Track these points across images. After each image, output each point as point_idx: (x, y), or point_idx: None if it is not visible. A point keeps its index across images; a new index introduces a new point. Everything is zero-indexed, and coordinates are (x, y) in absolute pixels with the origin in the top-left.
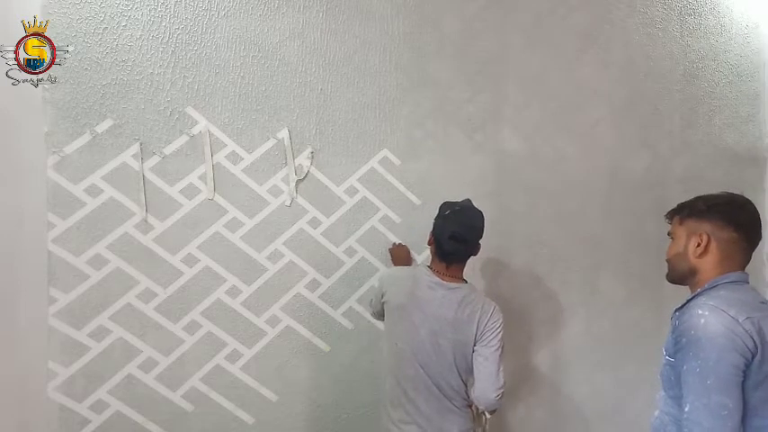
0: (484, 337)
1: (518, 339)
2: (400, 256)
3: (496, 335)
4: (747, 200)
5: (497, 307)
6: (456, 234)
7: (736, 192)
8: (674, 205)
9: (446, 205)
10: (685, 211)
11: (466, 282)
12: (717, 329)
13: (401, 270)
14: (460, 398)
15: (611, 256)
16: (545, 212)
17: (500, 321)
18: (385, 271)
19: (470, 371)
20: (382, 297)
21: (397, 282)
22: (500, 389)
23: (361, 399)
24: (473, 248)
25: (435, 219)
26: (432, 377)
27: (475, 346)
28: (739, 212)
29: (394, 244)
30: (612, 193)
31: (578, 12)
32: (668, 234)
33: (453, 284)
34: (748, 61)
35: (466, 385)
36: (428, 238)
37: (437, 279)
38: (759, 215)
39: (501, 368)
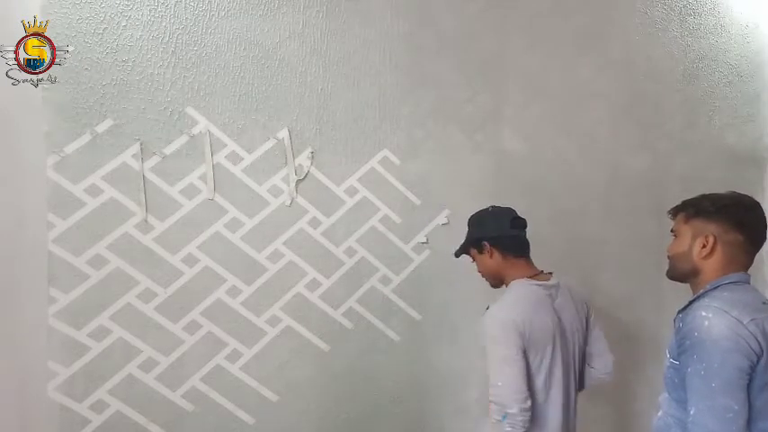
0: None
1: None
2: None
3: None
4: (755, 201)
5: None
6: (515, 221)
7: (737, 192)
8: (676, 203)
9: (478, 214)
10: (691, 210)
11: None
12: (721, 332)
13: (513, 308)
14: None
15: (611, 256)
16: (545, 212)
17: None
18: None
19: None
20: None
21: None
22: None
23: (362, 399)
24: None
25: (473, 232)
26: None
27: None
28: (747, 215)
29: None
30: (612, 193)
31: (578, 12)
32: (671, 231)
33: (551, 281)
34: (748, 61)
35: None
36: (479, 262)
37: (542, 283)
38: (765, 218)
39: None
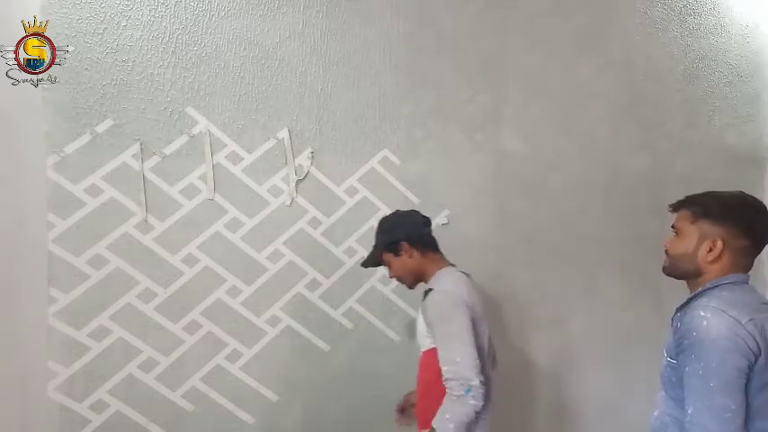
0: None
1: (518, 339)
2: None
3: None
4: (761, 203)
5: None
6: (426, 219)
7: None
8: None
9: (389, 219)
10: (698, 210)
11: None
12: (719, 331)
13: (457, 288)
14: None
15: (611, 256)
16: (545, 212)
17: None
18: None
19: None
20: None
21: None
22: None
23: (362, 399)
24: None
25: (391, 233)
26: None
27: None
28: (755, 220)
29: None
30: (612, 192)
31: (578, 12)
32: (672, 227)
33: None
34: (748, 61)
35: None
36: (396, 263)
37: (462, 271)
38: None
39: None
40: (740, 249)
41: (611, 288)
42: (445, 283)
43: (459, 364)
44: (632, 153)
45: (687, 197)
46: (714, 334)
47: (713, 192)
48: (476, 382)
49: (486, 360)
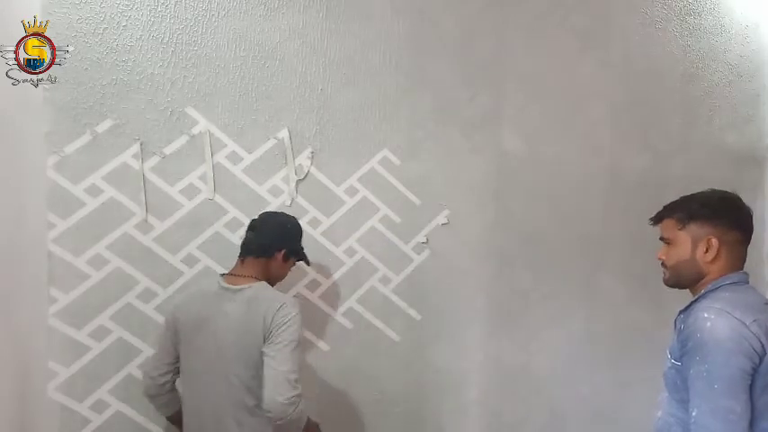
0: (272, 335)
1: (518, 339)
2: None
3: (285, 329)
4: (737, 196)
5: (290, 300)
6: (250, 223)
7: (731, 191)
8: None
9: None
10: (682, 215)
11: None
12: (723, 333)
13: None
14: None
15: (611, 256)
16: (545, 213)
17: (291, 315)
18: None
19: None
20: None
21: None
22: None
23: (361, 399)
24: (266, 239)
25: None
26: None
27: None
28: (740, 212)
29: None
30: (612, 193)
31: (578, 12)
32: (661, 238)
33: (242, 285)
34: (748, 61)
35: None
36: None
37: (224, 284)
38: (749, 209)
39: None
40: (734, 243)
41: (611, 288)
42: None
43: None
44: (632, 153)
45: (665, 207)
46: (718, 335)
47: (687, 195)
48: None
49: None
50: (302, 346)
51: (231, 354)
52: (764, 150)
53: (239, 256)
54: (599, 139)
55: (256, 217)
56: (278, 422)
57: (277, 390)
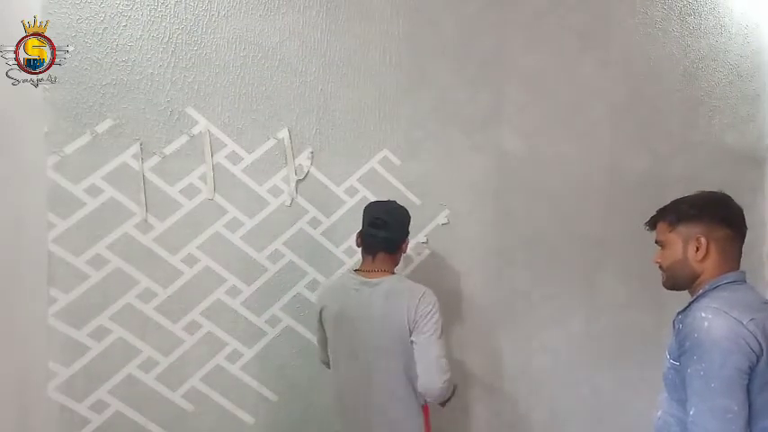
0: (418, 325)
1: (518, 339)
2: None
3: (430, 319)
4: (726, 195)
5: (428, 290)
6: (374, 220)
7: (731, 191)
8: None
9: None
10: (672, 217)
11: (394, 274)
12: (721, 332)
13: (330, 280)
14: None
15: (611, 256)
16: (545, 212)
17: (433, 303)
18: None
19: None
20: (318, 314)
21: (327, 293)
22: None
23: None
24: (396, 234)
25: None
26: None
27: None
28: (727, 209)
29: None
30: (612, 193)
31: (578, 11)
32: (656, 242)
33: (377, 279)
34: (748, 61)
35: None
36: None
37: (362, 278)
38: (740, 207)
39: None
40: (723, 240)
41: (611, 288)
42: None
43: None
44: (632, 153)
45: (658, 211)
46: (716, 335)
47: (679, 198)
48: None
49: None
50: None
51: (374, 344)
52: (764, 150)
53: (368, 253)
54: (599, 139)
55: (377, 213)
56: (433, 402)
57: (433, 376)
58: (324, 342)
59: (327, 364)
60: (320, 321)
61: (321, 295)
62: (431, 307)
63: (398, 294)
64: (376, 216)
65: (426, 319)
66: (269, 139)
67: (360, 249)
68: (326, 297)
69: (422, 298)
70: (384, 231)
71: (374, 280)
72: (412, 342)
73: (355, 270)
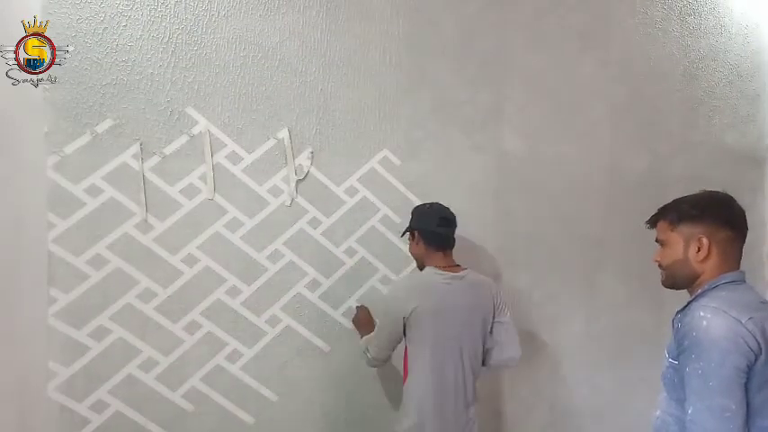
0: (500, 308)
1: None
2: (365, 318)
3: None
4: (729, 195)
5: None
6: (443, 220)
7: (731, 191)
8: None
9: (417, 207)
10: (674, 216)
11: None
12: (719, 331)
13: (408, 281)
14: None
15: (611, 256)
16: (545, 212)
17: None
18: (388, 295)
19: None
20: (409, 313)
21: (414, 293)
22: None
23: (362, 399)
24: (454, 233)
25: (411, 222)
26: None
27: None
28: (729, 210)
29: (357, 308)
30: (612, 193)
31: (578, 11)
32: (657, 240)
33: (461, 273)
34: (748, 61)
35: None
36: (410, 245)
37: (449, 273)
38: (742, 209)
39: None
40: (725, 241)
41: (611, 288)
42: (400, 280)
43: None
44: (632, 153)
45: (659, 209)
46: (714, 334)
47: (681, 197)
48: (371, 354)
49: (429, 354)
50: None
51: (467, 330)
52: (764, 150)
53: (441, 251)
54: (599, 139)
55: (445, 212)
56: (502, 367)
57: (518, 347)
58: (395, 340)
59: (382, 362)
60: (406, 321)
61: (407, 297)
62: (502, 293)
63: (481, 284)
64: (444, 216)
65: (504, 303)
66: (269, 139)
67: (420, 249)
68: (415, 297)
69: (496, 286)
70: (452, 230)
71: (459, 273)
72: (495, 323)
73: (436, 267)
